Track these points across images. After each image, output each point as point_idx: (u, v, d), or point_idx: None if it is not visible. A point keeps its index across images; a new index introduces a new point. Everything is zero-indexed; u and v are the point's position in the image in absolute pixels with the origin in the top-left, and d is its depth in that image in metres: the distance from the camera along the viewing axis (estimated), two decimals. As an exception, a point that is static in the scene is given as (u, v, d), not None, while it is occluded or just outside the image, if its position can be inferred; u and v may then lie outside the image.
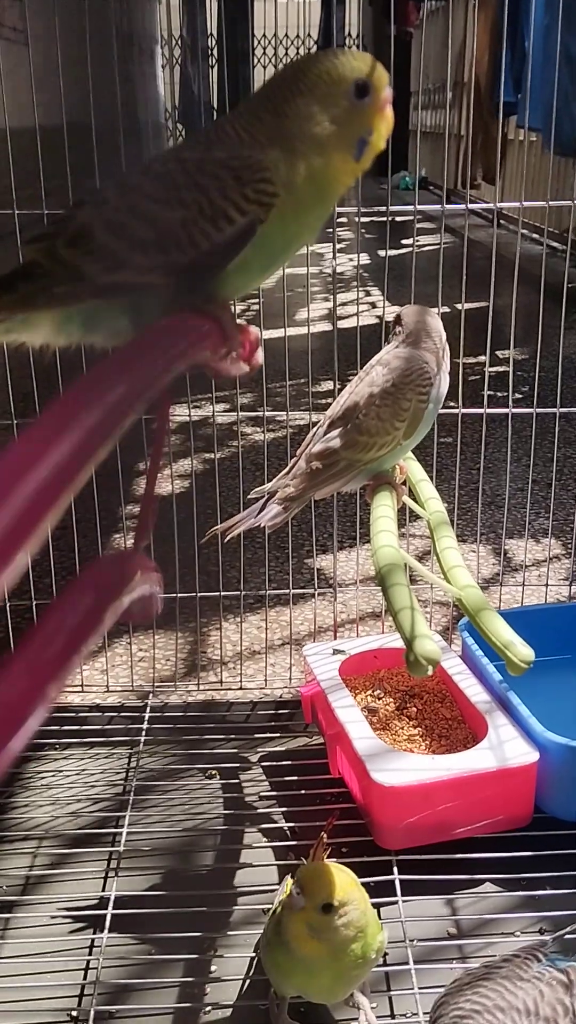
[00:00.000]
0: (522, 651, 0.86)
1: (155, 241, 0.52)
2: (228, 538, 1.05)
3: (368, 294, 3.52)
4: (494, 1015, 0.74)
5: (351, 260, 3.93)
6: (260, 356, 0.61)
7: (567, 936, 0.88)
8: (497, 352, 2.49)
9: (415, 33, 6.49)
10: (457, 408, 1.30)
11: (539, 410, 1.30)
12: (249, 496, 1.06)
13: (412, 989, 0.90)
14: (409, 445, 1.01)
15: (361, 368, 1.05)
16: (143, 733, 1.28)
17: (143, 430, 0.51)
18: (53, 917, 1.01)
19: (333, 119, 0.53)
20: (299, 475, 1.02)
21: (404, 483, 1.08)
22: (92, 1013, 0.89)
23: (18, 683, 0.32)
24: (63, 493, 0.34)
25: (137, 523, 0.51)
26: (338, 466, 1.00)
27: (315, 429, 1.05)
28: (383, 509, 0.95)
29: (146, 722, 1.30)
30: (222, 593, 1.44)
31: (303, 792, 1.16)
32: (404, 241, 3.52)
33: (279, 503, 1.02)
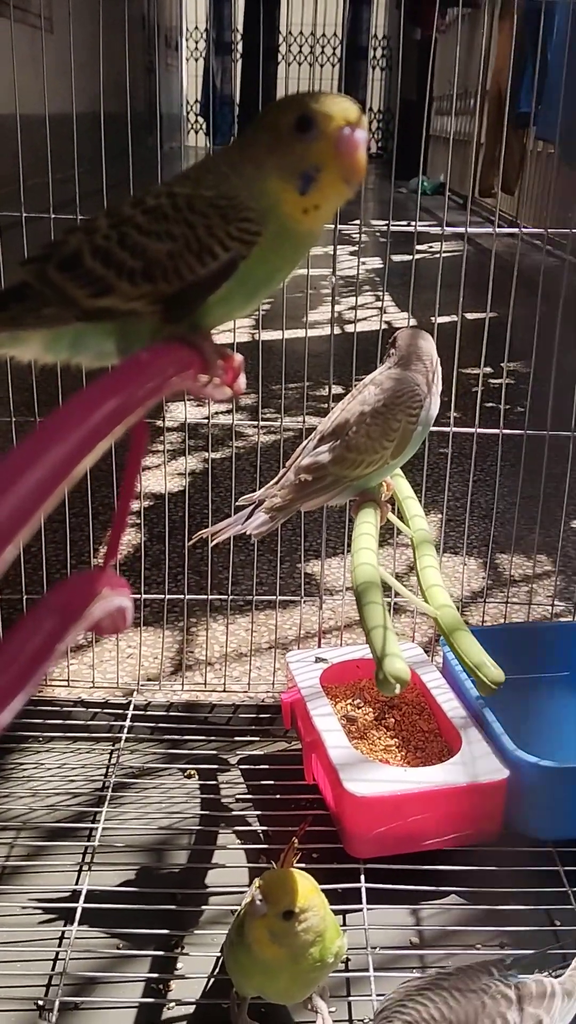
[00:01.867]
0: (492, 672, 0.88)
1: (142, 270, 0.54)
2: (215, 542, 1.07)
3: (378, 299, 3.53)
4: None
5: (363, 263, 3.95)
6: (242, 382, 0.62)
7: (527, 955, 0.91)
8: (501, 364, 2.50)
9: (439, 39, 6.50)
10: (449, 427, 1.32)
11: (530, 432, 1.32)
12: (237, 503, 1.08)
13: (371, 996, 0.92)
14: (396, 464, 1.03)
15: (360, 374, 1.07)
16: (125, 730, 1.30)
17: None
18: (24, 907, 1.03)
19: (270, 146, 0.55)
20: (287, 486, 1.04)
21: (391, 501, 1.10)
22: (57, 1003, 0.91)
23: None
24: (37, 510, 0.36)
25: (108, 543, 0.53)
26: (325, 480, 1.02)
27: (305, 442, 1.07)
28: (366, 526, 0.97)
29: (129, 719, 1.32)
30: (210, 596, 1.46)
31: (278, 797, 1.18)
32: (418, 247, 3.53)
33: (266, 512, 1.04)
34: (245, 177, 0.55)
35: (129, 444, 0.49)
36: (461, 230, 1.26)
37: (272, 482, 1.07)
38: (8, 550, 0.33)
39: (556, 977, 0.82)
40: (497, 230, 1.27)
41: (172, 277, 0.54)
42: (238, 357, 0.61)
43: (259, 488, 1.10)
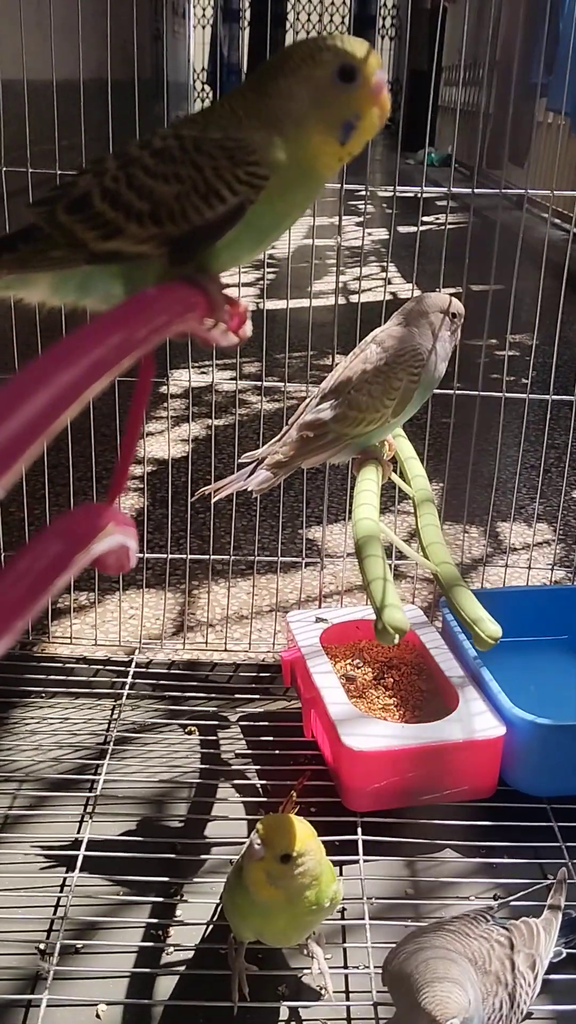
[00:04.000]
0: (490, 627, 0.89)
1: (150, 213, 0.55)
2: (217, 499, 1.08)
3: (384, 269, 3.52)
4: (450, 955, 0.78)
5: (369, 234, 3.93)
6: (248, 328, 0.63)
7: (513, 904, 0.93)
8: (506, 336, 2.50)
9: (451, 8, 6.42)
10: (452, 390, 1.33)
11: (532, 396, 1.32)
12: (240, 460, 1.09)
13: (366, 943, 0.94)
14: (397, 423, 1.04)
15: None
16: (127, 687, 1.32)
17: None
18: (27, 855, 1.05)
19: (313, 100, 0.55)
20: (289, 443, 1.05)
21: (392, 460, 1.11)
22: (58, 947, 0.93)
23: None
24: (40, 433, 0.37)
25: (112, 478, 0.54)
26: (327, 437, 1.03)
27: (308, 400, 1.08)
28: (367, 483, 0.98)
29: (131, 676, 1.34)
30: (212, 556, 1.47)
31: (277, 752, 1.20)
32: (425, 219, 3.52)
33: (268, 468, 1.05)
34: (284, 133, 0.55)
35: (136, 380, 0.50)
36: (467, 191, 1.26)
37: (275, 439, 1.08)
38: (13, 470, 0.34)
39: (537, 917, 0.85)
40: (504, 191, 1.26)
41: (180, 220, 0.54)
42: (244, 303, 0.61)
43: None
